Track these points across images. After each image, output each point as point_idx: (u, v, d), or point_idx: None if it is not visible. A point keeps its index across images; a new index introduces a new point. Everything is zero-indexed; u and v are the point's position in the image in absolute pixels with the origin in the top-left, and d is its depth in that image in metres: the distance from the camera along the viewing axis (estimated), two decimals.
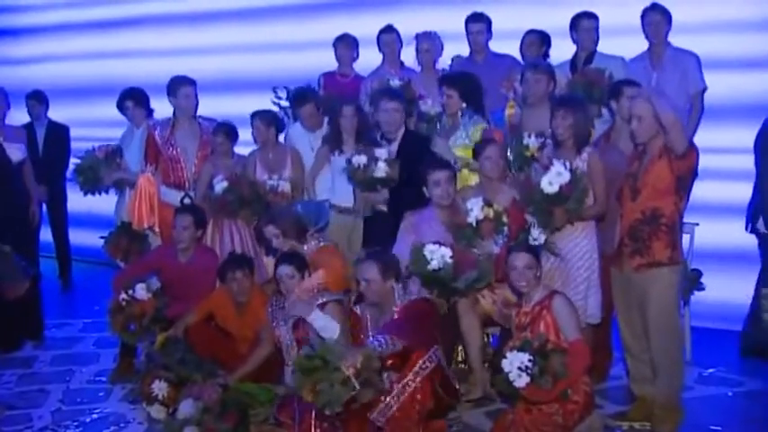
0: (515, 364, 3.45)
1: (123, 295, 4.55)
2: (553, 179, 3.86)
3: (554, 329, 3.64)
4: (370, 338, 3.62)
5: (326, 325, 3.94)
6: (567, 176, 3.86)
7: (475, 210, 4.07)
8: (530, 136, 4.36)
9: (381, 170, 4.44)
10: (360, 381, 3.34)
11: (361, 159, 4.46)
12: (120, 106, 5.55)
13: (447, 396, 3.76)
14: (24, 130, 5.79)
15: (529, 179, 3.98)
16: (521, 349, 3.48)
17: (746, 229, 4.93)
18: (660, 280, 3.77)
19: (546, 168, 3.92)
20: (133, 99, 5.48)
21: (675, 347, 3.89)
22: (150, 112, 5.55)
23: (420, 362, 3.59)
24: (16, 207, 5.34)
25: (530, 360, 3.44)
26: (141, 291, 4.54)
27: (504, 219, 4.06)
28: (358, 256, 4.09)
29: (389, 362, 3.61)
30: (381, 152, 4.48)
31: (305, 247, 4.41)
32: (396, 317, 3.80)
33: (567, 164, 3.90)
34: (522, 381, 3.45)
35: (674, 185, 3.74)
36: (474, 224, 4.06)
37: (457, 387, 3.88)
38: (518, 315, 3.80)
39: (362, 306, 4.02)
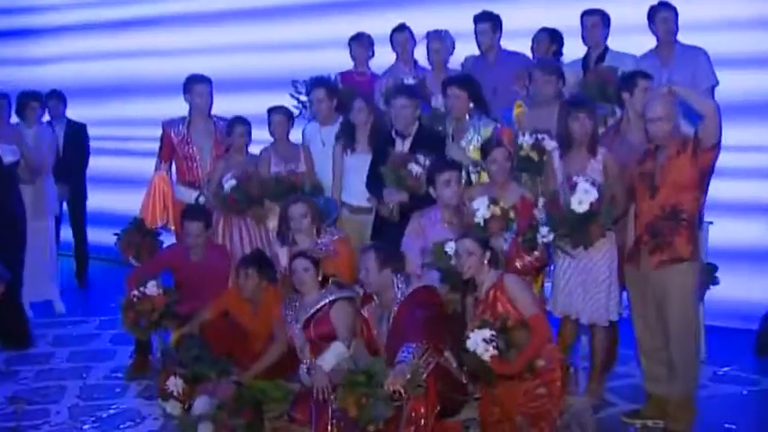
0: (479, 340, 3.46)
1: (135, 292, 4.60)
2: (582, 198, 3.84)
3: (512, 306, 3.67)
4: (400, 355, 3.61)
5: (337, 362, 3.98)
6: (595, 193, 3.84)
7: (481, 209, 4.06)
8: (524, 134, 4.33)
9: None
10: (406, 395, 3.45)
11: (417, 169, 4.43)
12: (25, 106, 5.93)
13: (455, 393, 3.77)
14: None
15: (556, 202, 3.93)
16: (480, 328, 3.50)
17: None
18: (680, 276, 3.77)
19: (572, 188, 3.89)
20: (38, 101, 5.92)
21: (693, 344, 3.89)
22: (43, 113, 5.99)
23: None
24: (6, 208, 5.33)
25: (492, 335, 3.46)
26: (152, 287, 4.59)
27: (512, 215, 4.06)
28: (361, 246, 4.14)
29: None
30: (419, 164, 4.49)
31: (319, 240, 4.47)
32: (403, 315, 3.81)
33: (590, 179, 3.90)
34: (488, 353, 3.46)
35: (697, 180, 3.74)
36: (482, 223, 4.06)
37: (465, 382, 3.89)
38: (475, 306, 3.80)
39: (368, 307, 4.06)
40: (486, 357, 3.47)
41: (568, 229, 3.90)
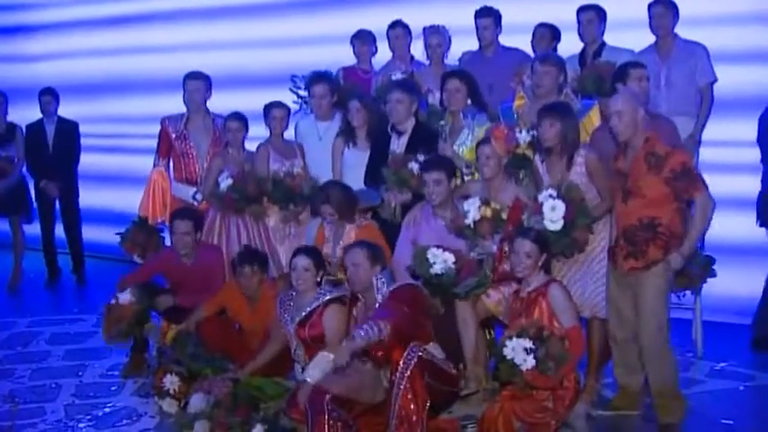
0: (519, 348, 3.45)
1: (112, 300, 4.63)
2: (552, 216, 3.83)
3: (548, 316, 3.67)
4: (355, 330, 3.64)
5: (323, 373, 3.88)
6: (561, 205, 3.83)
7: (472, 211, 4.04)
8: (521, 131, 4.29)
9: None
10: None
11: (418, 167, 4.41)
12: None
13: (446, 385, 3.76)
14: None
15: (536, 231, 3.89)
16: (519, 336, 3.49)
17: (757, 223, 4.89)
18: (653, 277, 3.77)
19: (539, 213, 3.86)
20: None
21: (664, 338, 3.85)
22: None
23: (401, 363, 3.60)
24: None
25: (533, 344, 3.45)
26: (126, 294, 4.62)
27: (504, 216, 4.03)
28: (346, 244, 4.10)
29: (375, 353, 3.65)
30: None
31: (347, 225, 4.48)
32: (383, 303, 3.78)
33: (551, 191, 3.88)
34: (528, 363, 3.44)
35: (672, 194, 3.71)
36: (472, 225, 4.04)
37: (454, 374, 3.88)
38: (515, 299, 3.81)
39: (355, 309, 4.03)
40: (527, 367, 3.44)
41: (558, 247, 3.90)
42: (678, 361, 4.61)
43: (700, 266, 4.33)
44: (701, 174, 3.76)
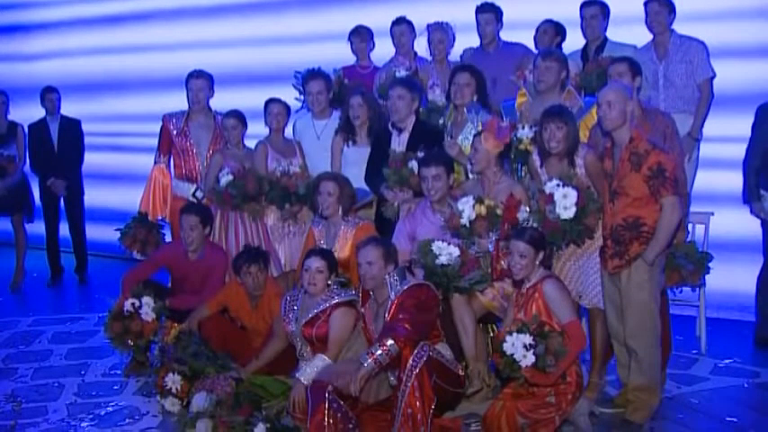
0: (519, 344, 3.46)
1: (129, 304, 4.56)
2: (565, 203, 3.84)
3: (545, 312, 3.67)
4: (362, 354, 3.66)
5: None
6: (573, 192, 3.84)
7: (466, 210, 4.03)
8: (523, 127, 4.28)
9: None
10: None
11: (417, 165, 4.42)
12: None
13: (452, 386, 3.76)
14: None
15: (548, 220, 3.89)
16: (519, 331, 3.50)
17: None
18: (637, 271, 3.76)
19: (550, 202, 3.87)
20: None
21: (653, 336, 3.82)
22: None
23: (410, 361, 3.59)
24: None
25: (532, 342, 3.46)
26: (147, 308, 4.55)
27: (499, 212, 4.01)
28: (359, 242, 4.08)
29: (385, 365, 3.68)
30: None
31: (343, 225, 4.46)
32: (397, 307, 3.77)
33: (558, 181, 3.89)
34: (528, 360, 3.45)
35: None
36: (467, 225, 4.03)
37: (461, 375, 3.87)
38: (518, 295, 3.81)
39: (366, 305, 4.02)
40: (527, 363, 3.46)
41: (571, 236, 3.92)
42: (682, 358, 4.63)
43: (694, 263, 4.31)
44: (676, 178, 3.72)
